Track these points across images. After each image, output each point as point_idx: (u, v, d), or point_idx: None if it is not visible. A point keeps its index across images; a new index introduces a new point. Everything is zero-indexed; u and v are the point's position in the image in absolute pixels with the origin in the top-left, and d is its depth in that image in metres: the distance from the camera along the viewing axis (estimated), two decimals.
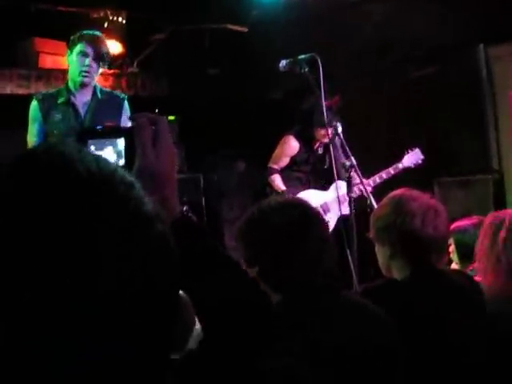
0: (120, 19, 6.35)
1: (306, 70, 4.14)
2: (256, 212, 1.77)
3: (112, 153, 1.02)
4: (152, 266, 0.58)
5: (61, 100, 3.95)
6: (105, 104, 4.00)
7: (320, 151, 5.24)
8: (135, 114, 1.03)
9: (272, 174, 5.23)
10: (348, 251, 3.89)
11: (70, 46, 3.97)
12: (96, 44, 3.92)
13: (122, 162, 1.01)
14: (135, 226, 0.59)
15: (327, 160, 5.17)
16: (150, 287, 0.58)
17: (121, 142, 1.02)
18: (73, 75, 3.95)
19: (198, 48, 6.91)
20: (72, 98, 3.96)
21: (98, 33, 4.10)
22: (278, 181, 5.18)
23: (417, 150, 4.85)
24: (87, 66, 3.88)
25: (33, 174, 0.59)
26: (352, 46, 5.97)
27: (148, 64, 6.77)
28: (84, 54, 3.87)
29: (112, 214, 0.58)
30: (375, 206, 3.77)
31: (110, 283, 0.55)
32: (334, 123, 4.26)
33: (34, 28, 6.84)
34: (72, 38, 4.01)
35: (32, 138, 3.96)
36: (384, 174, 4.82)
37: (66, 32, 6.97)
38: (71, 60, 3.94)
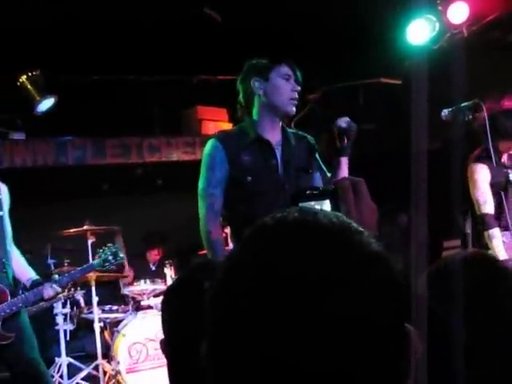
0: None
1: (470, 117, 3.99)
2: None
3: None
4: (382, 298, 0.67)
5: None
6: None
7: (508, 164, 4.28)
8: (338, 179, 1.19)
9: (490, 227, 4.05)
10: None
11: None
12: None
13: None
14: (369, 265, 0.69)
15: None
16: (379, 318, 0.66)
17: (327, 203, 1.17)
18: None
19: (352, 104, 6.94)
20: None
21: None
22: (499, 243, 3.99)
23: None
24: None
25: (290, 229, 0.71)
26: None
27: (305, 123, 6.91)
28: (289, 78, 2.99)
29: (349, 254, 0.68)
30: None
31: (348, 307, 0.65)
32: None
33: (196, 97, 7.26)
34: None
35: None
36: None
37: (225, 99, 7.37)
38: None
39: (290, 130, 3.13)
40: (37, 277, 3.82)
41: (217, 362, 0.69)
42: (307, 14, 5.96)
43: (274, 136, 3.02)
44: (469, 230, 4.22)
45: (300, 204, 1.18)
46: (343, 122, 2.95)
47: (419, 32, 5.82)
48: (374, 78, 6.80)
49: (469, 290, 1.44)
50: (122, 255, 4.54)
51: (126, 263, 6.09)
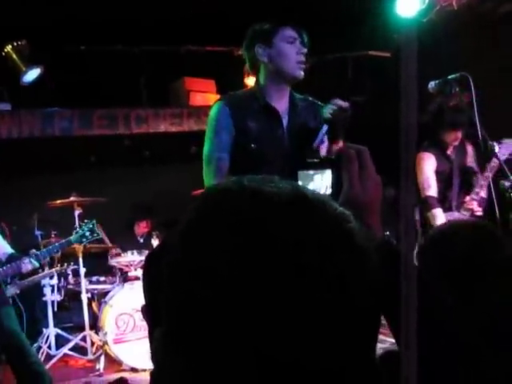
0: None
1: (457, 89, 4.01)
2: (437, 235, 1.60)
3: (320, 182, 1.08)
4: (352, 275, 0.63)
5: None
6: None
7: (452, 157, 4.62)
8: (343, 147, 1.06)
9: (433, 207, 4.37)
10: None
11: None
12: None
13: (329, 191, 1.07)
14: (338, 239, 0.65)
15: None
16: (349, 294, 0.62)
17: (328, 173, 1.07)
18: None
19: (341, 76, 6.91)
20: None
21: None
22: (442, 222, 4.15)
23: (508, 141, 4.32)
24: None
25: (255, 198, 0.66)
26: (504, 60, 5.68)
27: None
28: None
29: (320, 227, 0.64)
30: None
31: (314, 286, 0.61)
32: (490, 143, 4.08)
33: (184, 68, 7.20)
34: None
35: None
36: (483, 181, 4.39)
37: (213, 71, 7.32)
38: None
39: (298, 96, 3.00)
40: (12, 251, 3.84)
41: (179, 350, 0.62)
42: None
43: (281, 104, 2.92)
44: (417, 217, 4.48)
45: (299, 172, 1.09)
46: (330, 109, 2.77)
47: (409, 4, 5.78)
48: (362, 51, 6.77)
49: (466, 257, 1.44)
50: (98, 232, 4.61)
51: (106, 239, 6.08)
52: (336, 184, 1.05)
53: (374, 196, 1.01)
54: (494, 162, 4.22)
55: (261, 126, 2.85)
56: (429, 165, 4.47)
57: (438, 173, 4.50)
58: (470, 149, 4.67)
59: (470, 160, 4.65)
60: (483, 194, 4.38)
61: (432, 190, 4.41)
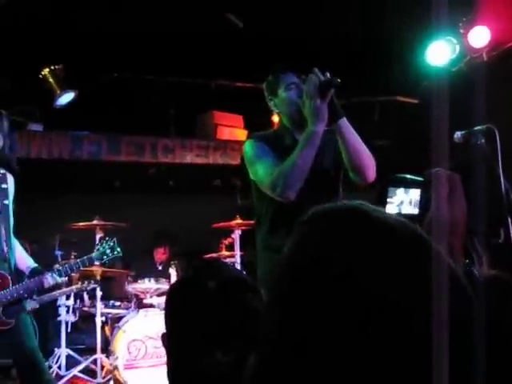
0: None
1: (483, 141, 4.02)
2: None
3: (404, 196, 1.13)
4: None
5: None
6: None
7: None
8: (432, 170, 1.09)
9: None
10: None
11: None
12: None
13: (416, 210, 1.12)
14: (425, 259, 0.68)
15: None
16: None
17: (414, 192, 1.12)
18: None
19: (367, 120, 6.98)
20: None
21: None
22: None
23: None
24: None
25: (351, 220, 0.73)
26: None
27: None
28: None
29: (403, 250, 0.69)
30: None
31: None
32: None
33: (214, 102, 7.31)
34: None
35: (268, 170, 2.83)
36: None
37: (242, 106, 7.42)
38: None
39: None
40: (35, 265, 3.86)
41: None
42: (328, 28, 6.00)
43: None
44: None
45: (389, 188, 1.15)
46: (317, 75, 2.69)
47: (439, 53, 5.85)
48: (390, 96, 6.84)
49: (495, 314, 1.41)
50: (119, 249, 4.58)
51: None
52: (424, 203, 1.10)
53: (459, 218, 1.05)
54: None
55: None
56: None
57: None
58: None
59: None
60: None
61: None
